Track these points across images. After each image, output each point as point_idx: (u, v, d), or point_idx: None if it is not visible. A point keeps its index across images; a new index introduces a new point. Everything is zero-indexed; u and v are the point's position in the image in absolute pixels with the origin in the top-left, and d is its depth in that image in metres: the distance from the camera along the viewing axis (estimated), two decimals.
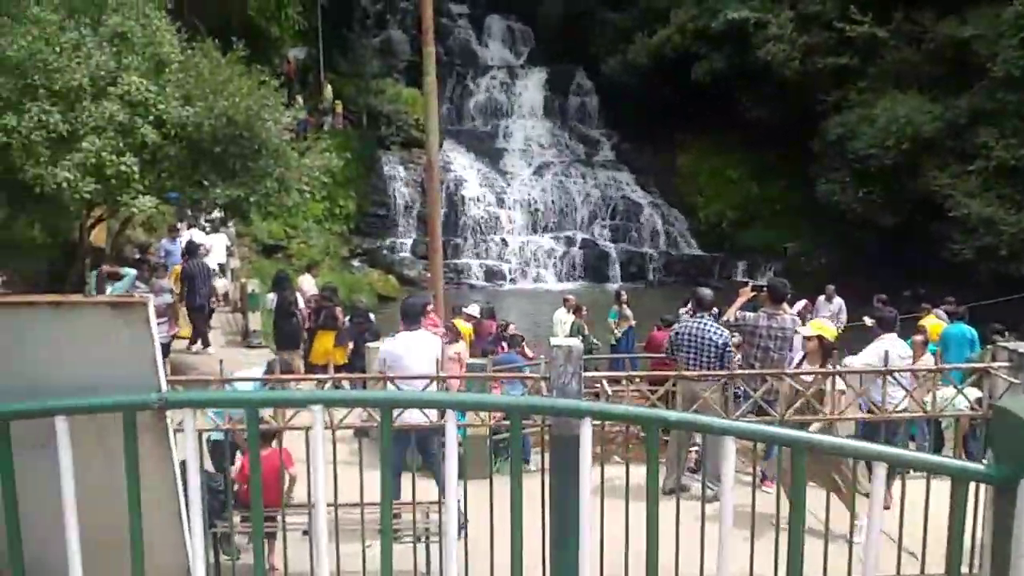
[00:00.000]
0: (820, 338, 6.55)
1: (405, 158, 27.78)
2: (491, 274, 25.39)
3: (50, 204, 8.15)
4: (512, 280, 25.38)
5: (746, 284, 8.01)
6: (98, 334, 2.36)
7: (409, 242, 26.46)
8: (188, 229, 14.46)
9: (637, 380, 6.23)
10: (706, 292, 7.49)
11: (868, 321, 13.51)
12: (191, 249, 12.38)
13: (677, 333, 7.18)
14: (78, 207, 8.08)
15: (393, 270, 24.51)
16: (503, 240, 26.46)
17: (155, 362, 2.36)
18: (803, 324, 8.84)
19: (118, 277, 9.72)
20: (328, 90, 27.42)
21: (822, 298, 15.29)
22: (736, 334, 7.65)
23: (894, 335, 7.82)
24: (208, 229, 14.75)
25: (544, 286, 25.16)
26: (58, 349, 2.40)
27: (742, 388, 5.59)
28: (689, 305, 10.26)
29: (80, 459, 2.34)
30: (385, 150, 27.50)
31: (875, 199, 21.15)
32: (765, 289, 7.58)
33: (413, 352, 6.14)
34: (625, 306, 14.32)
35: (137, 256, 13.48)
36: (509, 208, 27.35)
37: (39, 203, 8.18)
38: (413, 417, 5.22)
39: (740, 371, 5.15)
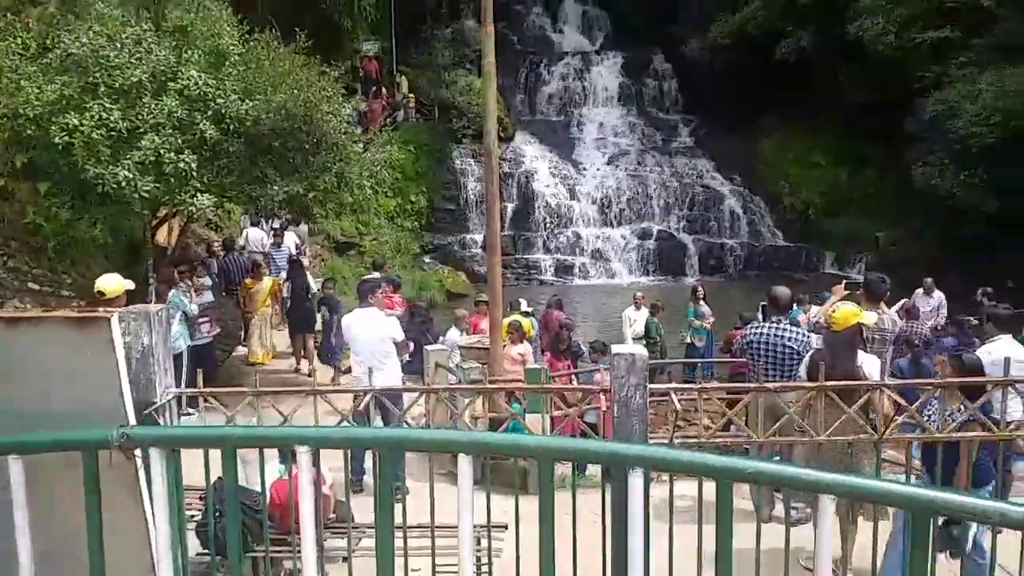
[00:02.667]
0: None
1: (476, 151, 27.34)
2: (562, 269, 24.84)
3: (112, 203, 8.11)
4: (584, 275, 24.76)
5: (840, 282, 7.18)
6: (58, 354, 2.02)
7: (480, 237, 26.06)
8: (250, 227, 14.61)
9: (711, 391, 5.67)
10: (782, 291, 6.66)
11: (974, 321, 12.28)
12: (228, 245, 12.57)
13: (749, 340, 6.48)
14: (139, 206, 8.01)
15: (464, 266, 24.25)
16: (575, 233, 25.84)
17: (120, 388, 2.00)
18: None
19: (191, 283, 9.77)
20: (404, 83, 27.36)
21: (920, 292, 14.18)
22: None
23: (1010, 336, 6.96)
24: (278, 227, 14.78)
25: (617, 281, 24.45)
26: (18, 370, 2.08)
27: None
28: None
29: (44, 494, 2.01)
30: (457, 143, 27.25)
31: (977, 182, 19.51)
32: (861, 287, 6.80)
33: (357, 325, 7.17)
34: (703, 303, 13.53)
35: (206, 255, 13.67)
36: (581, 200, 26.69)
37: (101, 203, 8.16)
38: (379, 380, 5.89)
39: (832, 382, 4.51)
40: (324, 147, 8.85)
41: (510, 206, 26.63)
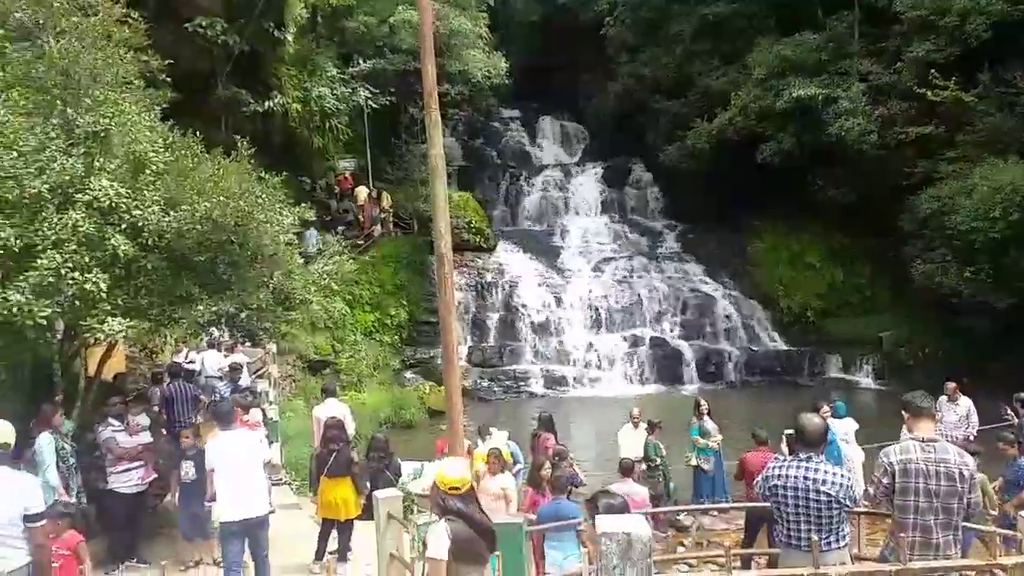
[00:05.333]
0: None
1: (458, 262, 26.58)
2: (552, 380, 23.35)
3: (4, 333, 6.81)
4: (576, 386, 23.28)
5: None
6: None
7: (464, 349, 24.83)
8: (207, 349, 13.14)
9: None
10: (812, 422, 5.10)
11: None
12: (173, 371, 10.97)
13: (773, 484, 5.00)
14: (32, 334, 6.71)
15: None
16: (564, 342, 24.54)
17: None
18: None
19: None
20: (386, 198, 26.82)
21: (943, 399, 12.73)
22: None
23: None
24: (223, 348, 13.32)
25: (610, 392, 22.96)
26: None
27: None
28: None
29: None
30: None
31: (984, 277, 18.56)
32: (902, 408, 5.39)
33: (230, 449, 6.80)
34: (708, 418, 12.05)
35: (150, 383, 12.16)
36: (568, 308, 25.57)
37: None
38: (242, 511, 6.60)
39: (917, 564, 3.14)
40: (260, 260, 7.67)
41: (495, 316, 25.53)
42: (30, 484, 4.81)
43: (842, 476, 4.90)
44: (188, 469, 7.94)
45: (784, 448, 9.16)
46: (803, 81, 23.95)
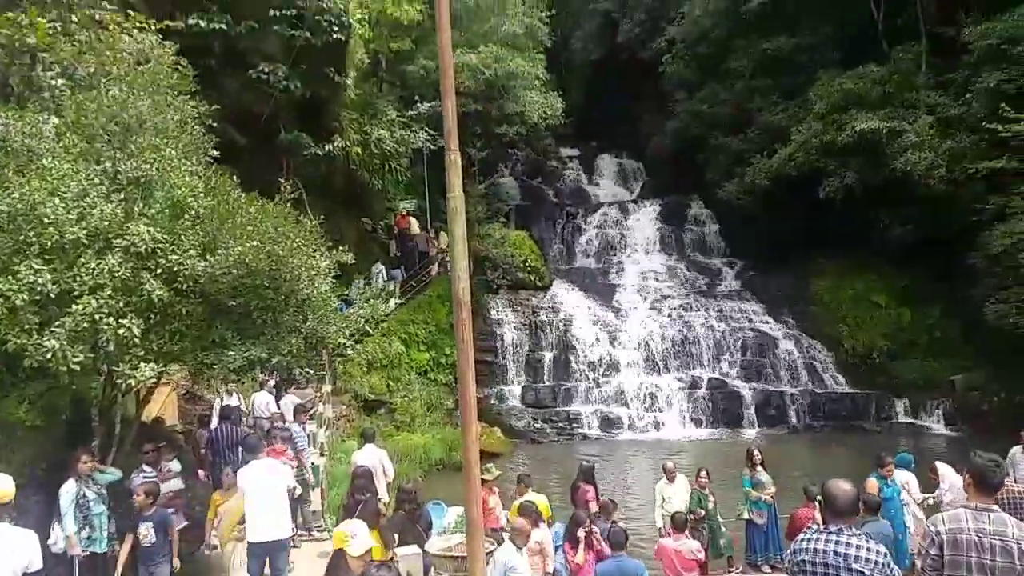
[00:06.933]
0: None
1: (513, 300, 26.57)
2: (607, 422, 22.83)
3: (43, 378, 6.96)
4: (631, 428, 22.71)
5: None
6: None
7: (518, 389, 24.62)
8: (258, 391, 13.23)
9: None
10: (840, 488, 4.59)
11: None
12: (225, 413, 11.01)
13: (800, 559, 4.54)
14: (66, 380, 6.82)
15: (500, 421, 22.53)
16: (619, 383, 24.04)
17: None
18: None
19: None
20: (443, 238, 27.04)
21: (1018, 449, 11.85)
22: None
23: None
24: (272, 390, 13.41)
25: (667, 435, 22.30)
26: None
27: None
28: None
29: None
30: (492, 294, 26.41)
31: None
32: (967, 472, 4.92)
33: (258, 475, 7.42)
34: (761, 468, 11.39)
35: (198, 426, 12.23)
36: (624, 347, 25.10)
37: (33, 378, 7.03)
38: (265, 534, 7.24)
39: None
40: (293, 305, 7.69)
41: (548, 355, 25.30)
42: (29, 541, 4.88)
43: (878, 553, 4.45)
44: (147, 531, 7.35)
45: (818, 516, 8.59)
46: (867, 115, 23.29)
